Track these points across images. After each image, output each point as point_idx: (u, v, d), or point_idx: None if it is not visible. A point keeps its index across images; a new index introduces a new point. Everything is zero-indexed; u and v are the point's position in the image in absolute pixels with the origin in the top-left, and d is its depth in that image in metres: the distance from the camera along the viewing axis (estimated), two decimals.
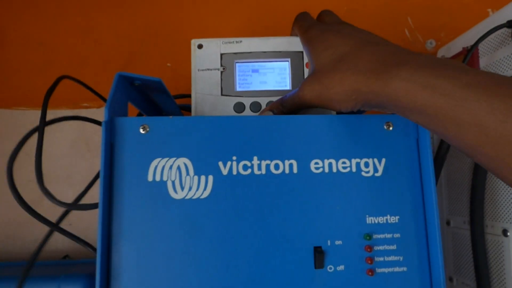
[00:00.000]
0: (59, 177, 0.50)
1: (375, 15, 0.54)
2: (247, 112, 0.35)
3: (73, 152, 0.51)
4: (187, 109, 0.47)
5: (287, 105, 0.32)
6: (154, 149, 0.27)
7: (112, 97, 0.27)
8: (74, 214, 0.36)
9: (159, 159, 0.27)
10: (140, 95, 0.34)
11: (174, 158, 0.27)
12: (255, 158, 0.27)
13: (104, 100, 0.49)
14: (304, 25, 0.33)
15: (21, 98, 0.52)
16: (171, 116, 0.28)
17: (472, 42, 0.39)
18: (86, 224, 0.48)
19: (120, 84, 0.28)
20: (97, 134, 0.51)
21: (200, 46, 0.36)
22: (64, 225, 0.32)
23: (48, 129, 0.29)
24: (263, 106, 0.35)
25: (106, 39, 0.53)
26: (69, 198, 0.41)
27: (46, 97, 0.28)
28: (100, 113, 0.51)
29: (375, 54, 0.25)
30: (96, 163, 0.50)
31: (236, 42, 0.36)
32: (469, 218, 0.39)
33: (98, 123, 0.39)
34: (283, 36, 0.37)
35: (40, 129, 0.27)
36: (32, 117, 0.52)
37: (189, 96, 0.40)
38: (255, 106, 0.35)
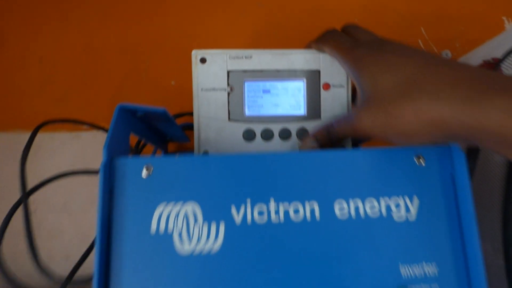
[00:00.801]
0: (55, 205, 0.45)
1: (388, 26, 0.50)
2: (258, 140, 0.31)
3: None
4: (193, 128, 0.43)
5: (337, 135, 0.28)
6: (158, 193, 0.23)
7: (112, 133, 0.22)
8: None
9: (164, 203, 0.23)
10: (143, 123, 0.30)
11: (181, 202, 0.23)
12: (272, 200, 0.23)
13: (102, 129, 0.45)
14: (344, 44, 0.28)
15: (18, 120, 0.47)
16: (176, 155, 0.23)
17: (492, 54, 0.36)
18: None
19: (121, 117, 0.24)
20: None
21: (203, 60, 0.31)
22: None
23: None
24: (276, 134, 0.31)
25: (108, 55, 0.48)
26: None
27: (23, 160, 0.24)
28: (101, 137, 0.46)
29: (457, 78, 0.21)
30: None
31: (246, 57, 0.32)
32: (501, 246, 0.35)
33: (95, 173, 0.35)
34: (298, 49, 0.32)
35: (23, 201, 0.23)
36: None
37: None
38: (267, 134, 0.31)
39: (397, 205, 0.24)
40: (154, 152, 0.40)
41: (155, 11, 0.50)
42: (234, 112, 0.31)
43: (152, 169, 0.23)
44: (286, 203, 0.24)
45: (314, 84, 0.32)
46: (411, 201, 0.25)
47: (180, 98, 0.46)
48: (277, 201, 0.23)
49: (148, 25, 0.49)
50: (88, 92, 0.47)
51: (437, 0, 0.51)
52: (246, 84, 0.31)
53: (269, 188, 0.24)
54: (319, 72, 0.32)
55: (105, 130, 0.45)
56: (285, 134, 0.31)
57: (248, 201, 0.23)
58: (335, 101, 0.32)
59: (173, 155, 0.24)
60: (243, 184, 0.23)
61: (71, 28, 0.49)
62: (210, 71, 0.31)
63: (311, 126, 0.31)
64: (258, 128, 0.31)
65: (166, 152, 0.41)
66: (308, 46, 0.33)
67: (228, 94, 0.31)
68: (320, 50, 0.32)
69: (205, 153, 0.30)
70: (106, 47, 0.48)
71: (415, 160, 0.25)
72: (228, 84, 0.31)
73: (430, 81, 0.21)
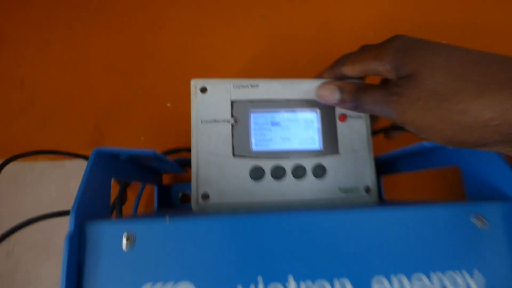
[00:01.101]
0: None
1: None
2: (268, 179, 0.27)
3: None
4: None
5: (366, 106, 0.24)
6: (142, 271, 0.18)
7: (84, 188, 0.18)
8: None
9: (150, 285, 0.18)
10: (128, 164, 0.25)
11: (172, 283, 0.18)
12: (290, 278, 0.19)
13: (86, 158, 0.40)
14: (376, 45, 0.25)
15: None
16: (167, 219, 0.19)
17: None
18: None
19: (98, 164, 0.19)
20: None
21: (203, 90, 0.28)
22: None
23: None
24: (288, 172, 0.27)
25: (95, 74, 0.43)
26: None
27: None
28: (83, 163, 0.41)
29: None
30: None
31: (251, 86, 0.28)
32: None
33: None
34: (309, 79, 0.29)
35: None
36: (8, 170, 0.41)
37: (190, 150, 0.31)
38: (278, 172, 0.27)
39: (454, 283, 0.19)
40: (142, 189, 0.36)
41: (148, 25, 0.46)
42: (239, 146, 0.27)
43: (134, 238, 0.18)
44: (309, 282, 0.18)
45: (329, 115, 0.28)
46: (472, 276, 0.19)
47: (177, 122, 0.42)
48: (297, 279, 0.18)
49: (141, 41, 0.45)
50: (73, 115, 0.42)
51: (457, 11, 0.48)
52: (252, 115, 0.28)
53: (287, 261, 0.18)
54: None
55: None
56: (299, 172, 0.27)
57: (260, 280, 0.18)
58: (353, 133, 0.28)
59: (163, 218, 0.19)
60: (253, 256, 0.18)
61: (55, 45, 0.45)
62: (212, 102, 0.27)
63: (329, 162, 0.28)
64: (267, 165, 0.27)
65: (160, 186, 0.37)
66: (320, 75, 0.29)
67: (232, 126, 0.27)
68: (321, 75, 0.29)
69: (205, 196, 0.26)
70: (94, 66, 0.44)
71: (474, 221, 0.20)
72: (232, 115, 0.27)
73: (490, 72, 0.19)
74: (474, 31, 0.47)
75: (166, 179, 0.40)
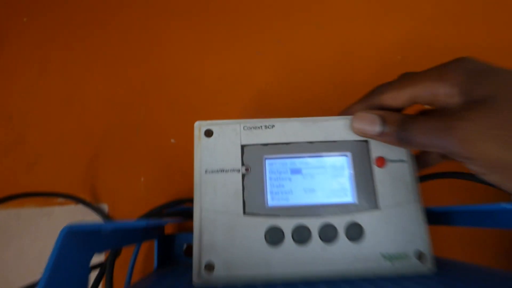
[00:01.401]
0: None
1: (437, 62, 0.42)
2: (288, 244, 0.21)
3: None
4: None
5: (417, 137, 0.20)
6: None
7: (47, 280, 0.13)
8: None
9: None
10: (115, 234, 0.20)
11: None
12: None
13: (81, 201, 0.36)
14: (434, 67, 0.21)
15: None
16: None
17: None
18: None
19: (69, 246, 0.15)
20: None
21: (208, 133, 0.23)
22: None
23: None
24: (314, 234, 0.21)
25: (92, 107, 0.40)
26: None
27: None
28: (80, 213, 0.37)
29: None
30: None
31: (266, 127, 0.23)
32: None
33: None
34: (335, 117, 0.24)
35: None
36: None
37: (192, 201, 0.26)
38: (301, 234, 0.21)
39: None
40: (137, 251, 0.30)
41: (151, 52, 0.42)
42: (252, 202, 0.22)
43: None
44: None
45: (363, 159, 0.23)
46: None
47: (182, 160, 0.37)
48: None
49: (143, 71, 0.41)
50: (66, 154, 0.38)
51: (494, 29, 0.43)
52: (267, 162, 0.23)
53: None
54: (367, 142, 0.23)
55: (85, 203, 0.36)
56: (328, 233, 0.21)
57: None
58: (396, 181, 0.22)
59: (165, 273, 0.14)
60: None
61: (49, 76, 0.42)
62: (218, 147, 0.23)
63: (367, 220, 0.22)
64: (287, 225, 0.21)
65: (161, 238, 0.31)
66: (349, 110, 0.24)
67: (243, 176, 0.22)
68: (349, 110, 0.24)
69: (209, 267, 0.21)
70: (90, 98, 0.40)
71: None
72: (242, 163, 0.22)
73: None
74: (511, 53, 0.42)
75: (168, 227, 0.34)
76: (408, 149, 0.23)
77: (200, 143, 0.23)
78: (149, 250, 0.34)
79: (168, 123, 0.39)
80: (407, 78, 0.22)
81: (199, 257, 0.21)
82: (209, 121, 0.24)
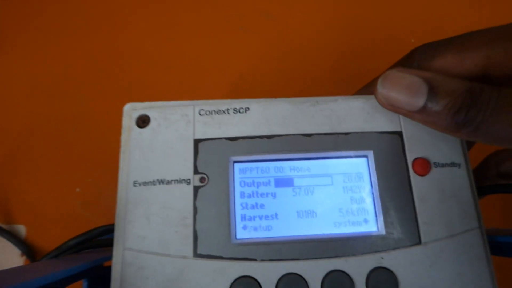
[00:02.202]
0: None
1: None
2: None
3: None
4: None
5: (497, 129, 0.12)
6: None
7: None
8: None
9: None
10: None
11: None
12: None
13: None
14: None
15: None
16: None
17: None
18: None
19: None
20: None
21: (143, 121, 0.14)
22: None
23: None
24: (313, 286, 0.12)
25: (7, 95, 0.30)
26: None
27: None
28: None
29: None
30: None
31: (236, 110, 0.14)
32: None
33: None
34: (348, 96, 0.15)
35: None
36: None
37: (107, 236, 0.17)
38: None
39: None
40: None
41: (99, 24, 0.32)
42: (209, 235, 0.13)
43: None
44: None
45: (394, 161, 0.14)
46: None
47: None
48: None
49: (85, 47, 0.31)
50: None
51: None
52: (236, 167, 0.14)
53: None
54: (400, 136, 0.14)
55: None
56: None
57: None
58: (445, 197, 0.14)
59: None
60: None
61: None
62: (157, 143, 0.14)
63: (402, 263, 0.13)
64: (268, 276, 0.13)
65: (94, 276, 0.22)
66: (367, 89, 0.16)
67: (196, 191, 0.13)
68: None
69: None
70: (5, 82, 0.30)
71: None
72: (195, 170, 0.14)
73: None
74: None
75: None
76: (467, 140, 0.14)
77: (129, 138, 0.14)
78: None
79: (117, 117, 0.29)
80: (474, 36, 0.13)
81: None
82: (146, 103, 0.15)
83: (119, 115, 0.32)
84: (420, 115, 0.13)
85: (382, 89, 0.13)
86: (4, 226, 0.26)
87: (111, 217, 0.28)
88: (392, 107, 0.13)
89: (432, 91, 0.12)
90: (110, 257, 0.14)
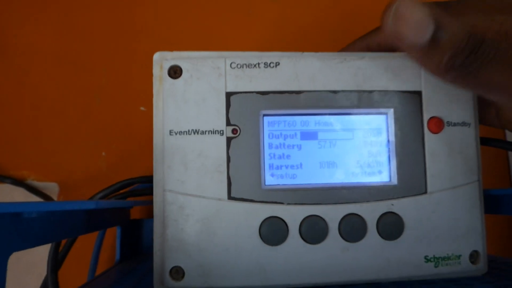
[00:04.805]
0: None
1: None
2: (295, 242, 0.14)
3: None
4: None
5: (494, 74, 0.12)
6: None
7: None
8: None
9: None
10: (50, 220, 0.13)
11: None
12: None
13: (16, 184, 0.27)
14: None
15: None
16: None
17: None
18: None
19: None
20: None
21: (175, 72, 0.15)
22: None
23: None
24: (332, 228, 0.14)
25: (35, 67, 0.30)
26: None
27: None
28: (13, 191, 0.28)
29: None
30: None
31: (266, 65, 0.15)
32: None
33: None
34: (378, 53, 0.15)
35: None
36: None
37: (147, 186, 0.19)
38: (315, 229, 0.14)
39: None
40: (100, 242, 0.23)
41: (120, 2, 0.32)
42: (241, 181, 0.14)
43: None
44: None
45: (411, 120, 0.15)
46: None
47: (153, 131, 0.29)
48: None
49: (106, 23, 0.31)
50: (4, 121, 0.30)
51: None
52: (266, 120, 0.15)
53: None
54: (419, 95, 0.15)
55: (26, 185, 0.28)
56: (353, 228, 0.14)
57: None
58: (453, 153, 0.15)
59: None
60: None
61: None
62: (190, 94, 0.14)
63: (409, 209, 0.15)
64: (293, 216, 0.14)
65: (125, 225, 0.24)
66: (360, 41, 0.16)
67: (229, 142, 0.14)
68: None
69: (177, 273, 0.14)
70: (32, 54, 0.30)
71: None
72: (228, 122, 0.14)
73: None
74: None
75: (135, 212, 0.28)
76: (461, 87, 0.15)
77: (162, 88, 0.15)
78: (113, 238, 0.28)
79: (138, 88, 0.30)
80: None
81: (162, 259, 0.14)
82: (175, 52, 0.15)
83: (137, 87, 0.33)
84: (420, 52, 0.13)
85: (391, 24, 0.13)
86: (39, 183, 0.28)
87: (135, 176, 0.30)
88: (398, 38, 0.13)
89: (438, 29, 0.12)
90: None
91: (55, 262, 0.19)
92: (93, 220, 0.19)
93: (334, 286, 0.15)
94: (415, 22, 0.12)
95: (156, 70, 0.15)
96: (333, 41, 0.32)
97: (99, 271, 0.27)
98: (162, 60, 0.15)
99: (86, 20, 0.31)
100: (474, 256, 0.15)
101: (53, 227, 0.14)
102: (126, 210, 0.24)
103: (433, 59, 0.13)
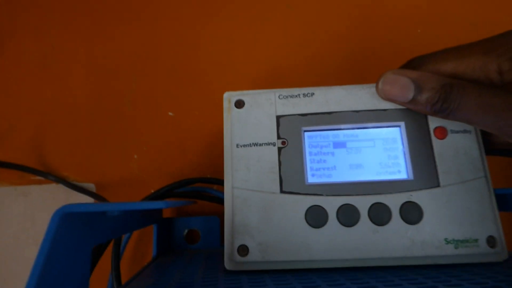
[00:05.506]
0: None
1: (458, 39, 0.37)
2: (333, 225, 0.18)
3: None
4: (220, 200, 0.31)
5: (465, 111, 0.17)
6: None
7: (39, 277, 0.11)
8: None
9: None
10: (117, 219, 0.18)
11: None
12: None
13: (62, 181, 0.32)
14: (481, 40, 0.18)
15: None
16: None
17: None
18: None
19: (66, 233, 0.12)
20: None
21: (239, 104, 0.21)
22: None
23: None
24: (363, 214, 0.18)
25: (73, 74, 0.35)
26: None
27: None
28: (62, 193, 0.33)
29: None
30: None
31: (304, 95, 0.20)
32: None
33: None
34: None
35: None
36: None
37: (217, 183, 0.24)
38: (348, 214, 0.18)
39: None
40: (127, 239, 0.28)
41: (145, 14, 0.36)
42: (289, 179, 0.19)
43: None
44: None
45: (419, 130, 0.20)
46: None
47: (180, 136, 0.33)
48: None
49: (135, 33, 0.36)
50: (42, 125, 0.34)
51: None
52: (306, 135, 0.20)
53: None
54: None
55: (68, 183, 0.32)
56: (380, 214, 0.18)
57: None
58: (459, 155, 0.19)
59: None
60: None
61: (20, 37, 0.36)
62: (251, 118, 0.20)
63: (426, 198, 0.18)
64: (331, 205, 0.19)
65: (159, 223, 0.28)
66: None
67: (279, 150, 0.20)
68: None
69: (243, 251, 0.18)
70: (70, 63, 0.35)
71: None
72: (278, 136, 0.20)
73: None
74: None
75: (166, 211, 0.32)
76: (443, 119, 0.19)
77: (230, 115, 0.21)
78: (139, 236, 0.32)
79: (165, 94, 0.34)
80: (448, 51, 0.19)
81: (231, 240, 0.19)
82: (239, 91, 0.21)
83: (165, 93, 0.36)
84: (410, 105, 0.19)
85: (382, 86, 0.19)
86: (77, 183, 0.33)
87: (163, 179, 0.35)
88: (390, 99, 0.19)
89: (418, 89, 0.18)
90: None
91: (118, 256, 0.24)
92: (146, 217, 0.24)
93: (365, 267, 0.18)
94: (400, 85, 0.18)
95: (225, 104, 0.21)
96: (348, 50, 0.34)
97: (132, 267, 0.31)
98: (229, 97, 0.21)
99: (117, 32, 0.36)
100: (491, 241, 0.18)
101: (123, 223, 0.19)
102: (160, 210, 0.28)
103: (420, 108, 0.18)
